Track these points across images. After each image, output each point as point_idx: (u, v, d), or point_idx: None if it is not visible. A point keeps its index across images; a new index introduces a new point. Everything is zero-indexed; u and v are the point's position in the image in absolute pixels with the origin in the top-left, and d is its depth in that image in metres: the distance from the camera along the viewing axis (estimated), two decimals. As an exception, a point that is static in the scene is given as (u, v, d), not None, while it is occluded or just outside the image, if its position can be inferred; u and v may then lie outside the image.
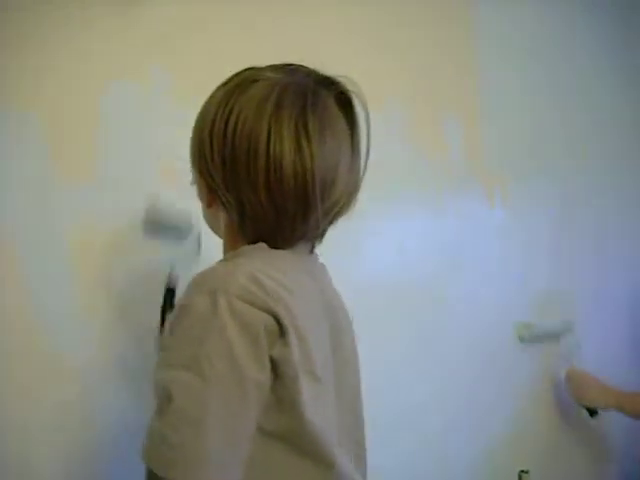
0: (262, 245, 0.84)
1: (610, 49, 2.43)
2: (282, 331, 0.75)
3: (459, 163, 1.83)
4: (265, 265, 0.80)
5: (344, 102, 0.86)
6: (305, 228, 0.84)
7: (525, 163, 2.03)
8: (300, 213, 0.81)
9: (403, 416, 1.55)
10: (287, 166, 0.78)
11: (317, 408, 0.79)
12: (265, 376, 0.75)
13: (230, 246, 0.88)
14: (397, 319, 1.56)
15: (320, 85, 0.84)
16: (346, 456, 0.86)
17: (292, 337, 0.76)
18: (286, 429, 0.77)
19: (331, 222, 0.88)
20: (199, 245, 1.17)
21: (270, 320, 0.75)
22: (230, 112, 0.80)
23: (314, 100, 0.81)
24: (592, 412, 2.03)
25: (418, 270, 1.67)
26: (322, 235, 0.91)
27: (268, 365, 0.75)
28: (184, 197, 1.00)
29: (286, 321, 0.75)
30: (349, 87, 0.86)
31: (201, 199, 0.90)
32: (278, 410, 0.76)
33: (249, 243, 0.84)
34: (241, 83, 0.83)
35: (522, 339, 1.96)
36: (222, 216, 0.87)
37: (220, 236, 0.92)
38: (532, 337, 1.98)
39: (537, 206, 2.06)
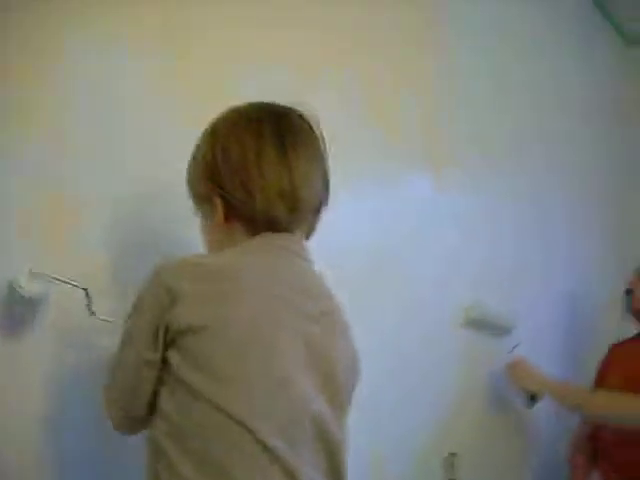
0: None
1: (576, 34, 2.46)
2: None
3: (413, 144, 1.82)
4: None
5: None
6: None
7: (471, 148, 2.02)
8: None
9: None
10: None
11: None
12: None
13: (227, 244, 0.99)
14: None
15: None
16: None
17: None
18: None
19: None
20: None
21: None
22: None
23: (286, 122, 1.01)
24: (531, 399, 2.08)
25: (369, 248, 1.66)
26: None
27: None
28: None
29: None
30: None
31: (208, 221, 1.02)
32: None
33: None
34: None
35: (469, 322, 1.97)
36: (232, 224, 0.98)
37: (212, 248, 1.03)
38: (478, 322, 1.98)
39: (479, 191, 2.06)
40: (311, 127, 1.01)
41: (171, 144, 1.21)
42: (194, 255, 0.98)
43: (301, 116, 1.01)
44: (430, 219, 1.87)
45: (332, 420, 0.93)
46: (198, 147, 1.01)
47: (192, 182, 1.02)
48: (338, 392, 0.95)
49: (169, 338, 0.87)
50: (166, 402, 0.88)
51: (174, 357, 0.87)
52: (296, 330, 0.92)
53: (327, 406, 0.93)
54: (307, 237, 1.02)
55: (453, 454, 2.03)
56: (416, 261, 1.80)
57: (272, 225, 0.96)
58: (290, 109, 1.01)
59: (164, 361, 0.89)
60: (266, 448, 0.85)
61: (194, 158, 1.01)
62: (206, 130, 1.01)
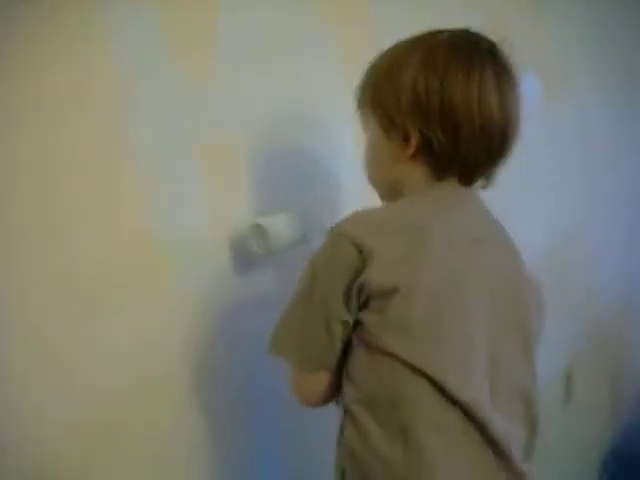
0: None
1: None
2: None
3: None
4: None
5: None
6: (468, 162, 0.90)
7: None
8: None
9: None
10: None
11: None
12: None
13: (407, 189, 0.92)
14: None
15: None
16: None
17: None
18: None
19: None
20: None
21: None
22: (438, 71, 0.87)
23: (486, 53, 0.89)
24: None
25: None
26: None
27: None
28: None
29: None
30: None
31: (384, 150, 0.93)
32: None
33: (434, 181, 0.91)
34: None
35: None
36: (418, 163, 0.90)
37: (383, 181, 0.96)
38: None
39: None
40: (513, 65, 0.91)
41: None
42: (374, 210, 0.89)
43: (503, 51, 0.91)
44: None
45: (526, 373, 0.91)
46: (400, 68, 0.89)
47: (385, 105, 0.90)
48: (528, 340, 0.91)
49: (362, 299, 0.83)
50: (357, 368, 0.86)
51: (368, 319, 0.83)
52: (485, 286, 0.87)
53: (521, 359, 0.90)
54: (486, 187, 0.95)
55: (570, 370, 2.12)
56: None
57: (464, 172, 0.90)
58: (494, 42, 0.91)
59: (356, 324, 0.85)
60: (461, 405, 0.82)
61: (393, 80, 0.89)
62: (412, 52, 0.89)
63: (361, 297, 0.83)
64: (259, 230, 1.08)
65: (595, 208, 2.28)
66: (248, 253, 1.09)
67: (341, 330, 0.85)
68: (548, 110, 1.93)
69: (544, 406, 0.93)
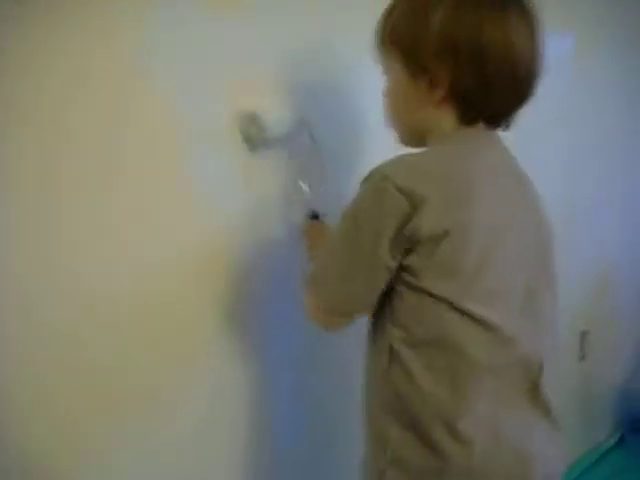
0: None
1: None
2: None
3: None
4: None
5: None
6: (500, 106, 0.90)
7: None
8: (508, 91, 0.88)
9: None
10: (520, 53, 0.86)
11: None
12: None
13: (434, 134, 0.90)
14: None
15: None
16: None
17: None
18: None
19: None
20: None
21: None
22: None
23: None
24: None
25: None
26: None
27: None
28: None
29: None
30: None
31: (410, 94, 0.90)
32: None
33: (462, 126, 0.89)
34: None
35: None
36: (446, 107, 0.88)
37: (410, 126, 0.93)
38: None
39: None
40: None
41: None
42: (416, 156, 0.86)
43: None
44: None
45: (554, 305, 0.92)
46: (427, 6, 0.85)
47: (413, 47, 0.87)
48: (553, 277, 0.93)
49: (410, 244, 0.81)
50: (404, 311, 0.84)
51: (416, 263, 0.81)
52: (523, 223, 0.89)
53: (549, 292, 0.91)
54: (507, 129, 0.94)
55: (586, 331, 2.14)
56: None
57: (492, 116, 0.89)
58: None
59: (402, 268, 0.83)
60: (506, 342, 0.83)
61: (421, 20, 0.86)
62: None
63: (410, 242, 0.81)
64: (252, 119, 1.08)
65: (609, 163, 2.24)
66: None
67: (386, 276, 0.84)
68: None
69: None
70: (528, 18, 0.87)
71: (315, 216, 1.15)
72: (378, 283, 0.85)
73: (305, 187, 1.14)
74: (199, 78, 1.02)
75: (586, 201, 2.11)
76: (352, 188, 0.86)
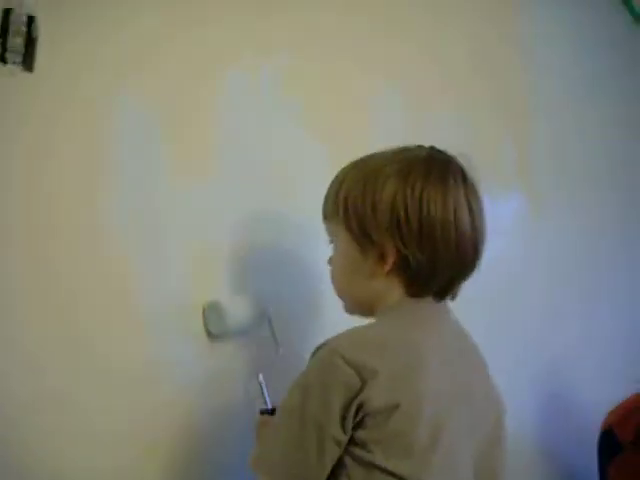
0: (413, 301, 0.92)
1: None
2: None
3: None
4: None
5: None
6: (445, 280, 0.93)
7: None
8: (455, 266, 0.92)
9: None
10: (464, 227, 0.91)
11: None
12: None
13: (381, 305, 0.93)
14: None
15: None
16: None
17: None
18: None
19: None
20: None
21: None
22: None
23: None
24: None
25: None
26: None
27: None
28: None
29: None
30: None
31: (358, 265, 0.93)
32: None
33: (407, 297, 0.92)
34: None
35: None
36: (393, 279, 0.91)
37: (361, 296, 0.95)
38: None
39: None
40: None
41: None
42: (366, 328, 0.90)
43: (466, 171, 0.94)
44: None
45: (501, 465, 0.95)
46: (376, 184, 0.90)
47: (362, 221, 0.90)
48: (503, 450, 0.96)
49: (359, 418, 0.81)
50: None
51: (366, 436, 0.82)
52: (469, 395, 0.90)
53: (498, 462, 0.95)
54: (453, 299, 0.98)
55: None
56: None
57: (440, 288, 0.92)
58: (457, 161, 0.94)
59: (351, 441, 0.83)
60: None
61: (370, 197, 0.90)
62: (383, 169, 0.91)
63: (358, 416, 0.82)
64: (216, 308, 1.10)
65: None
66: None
67: (335, 450, 0.83)
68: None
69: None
70: (473, 192, 0.92)
71: (272, 410, 1.09)
72: (327, 457, 0.83)
73: (262, 381, 1.12)
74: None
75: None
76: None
